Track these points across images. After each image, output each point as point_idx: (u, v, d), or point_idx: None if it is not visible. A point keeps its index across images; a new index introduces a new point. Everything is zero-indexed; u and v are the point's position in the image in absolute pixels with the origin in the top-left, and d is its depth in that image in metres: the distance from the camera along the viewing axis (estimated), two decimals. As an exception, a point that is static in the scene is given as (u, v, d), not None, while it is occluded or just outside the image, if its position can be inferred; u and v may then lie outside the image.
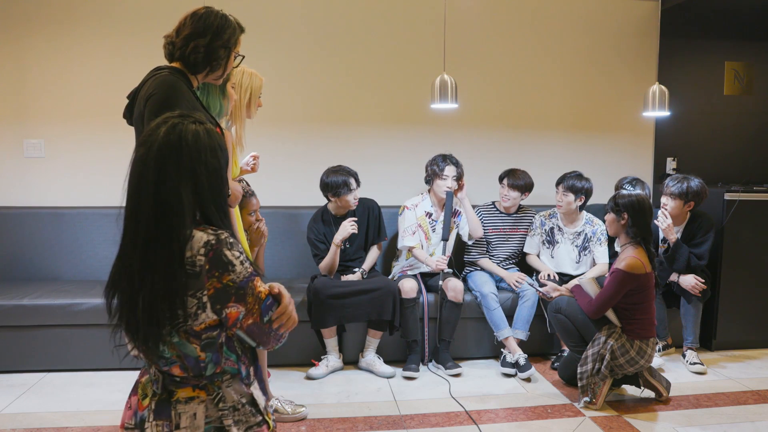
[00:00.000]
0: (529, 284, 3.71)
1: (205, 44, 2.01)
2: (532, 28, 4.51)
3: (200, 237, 1.32)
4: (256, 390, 1.44)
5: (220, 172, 1.41)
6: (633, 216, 3.08)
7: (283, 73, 4.21)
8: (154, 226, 1.29)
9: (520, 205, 4.03)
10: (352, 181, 3.61)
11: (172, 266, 1.28)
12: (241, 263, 1.34)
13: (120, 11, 4.05)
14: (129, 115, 2.11)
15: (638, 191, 3.18)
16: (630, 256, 3.04)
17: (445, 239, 3.69)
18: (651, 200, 4.08)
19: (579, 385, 3.10)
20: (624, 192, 3.20)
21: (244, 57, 2.19)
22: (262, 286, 1.38)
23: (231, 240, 1.35)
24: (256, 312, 1.36)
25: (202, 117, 1.42)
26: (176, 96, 1.92)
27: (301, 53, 4.25)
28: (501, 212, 4.01)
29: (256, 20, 4.11)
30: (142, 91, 1.99)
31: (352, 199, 3.62)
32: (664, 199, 3.76)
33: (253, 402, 1.42)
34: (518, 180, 3.90)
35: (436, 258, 3.67)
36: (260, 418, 1.42)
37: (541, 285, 3.61)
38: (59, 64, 4.03)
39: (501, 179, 3.97)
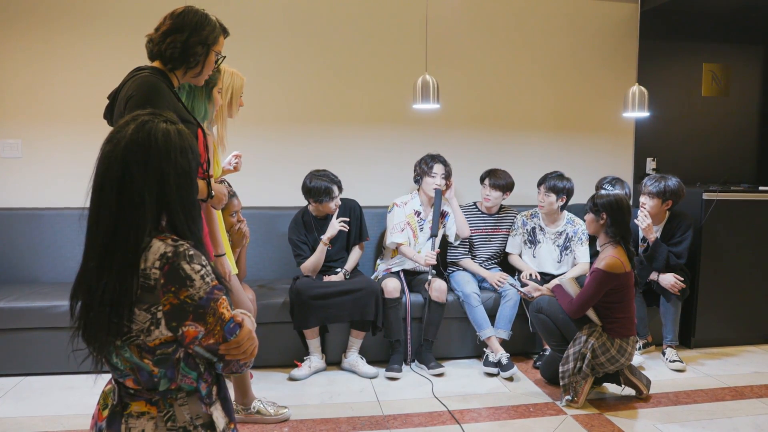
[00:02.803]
0: (511, 284, 3.73)
1: (182, 40, 2.00)
2: (514, 30, 4.53)
3: (157, 248, 1.24)
4: (216, 410, 1.36)
5: (189, 174, 1.33)
6: (612, 215, 3.11)
7: (265, 73, 4.19)
8: (114, 228, 1.23)
9: (501, 205, 4.06)
10: (335, 188, 3.60)
11: (124, 271, 1.21)
12: (202, 278, 1.26)
13: (100, 12, 4.00)
14: (109, 115, 2.09)
15: (617, 191, 3.22)
16: (609, 255, 3.07)
17: (434, 235, 3.70)
18: (631, 200, 4.13)
19: (561, 383, 3.13)
20: (602, 192, 3.23)
21: (225, 57, 2.17)
22: (226, 308, 1.29)
23: (191, 252, 1.26)
24: (218, 333, 1.27)
25: (174, 116, 1.36)
26: (156, 97, 1.90)
27: (283, 53, 4.23)
28: (483, 212, 4.03)
29: (238, 19, 4.09)
30: (123, 91, 1.97)
31: (333, 206, 3.62)
32: (642, 199, 3.81)
33: (210, 424, 1.33)
34: (499, 180, 3.92)
35: (425, 254, 3.67)
36: None
37: (523, 285, 3.63)
38: (37, 64, 3.97)
39: (482, 180, 3.99)
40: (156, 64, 2.05)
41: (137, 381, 1.28)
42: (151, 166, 1.26)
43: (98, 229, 1.24)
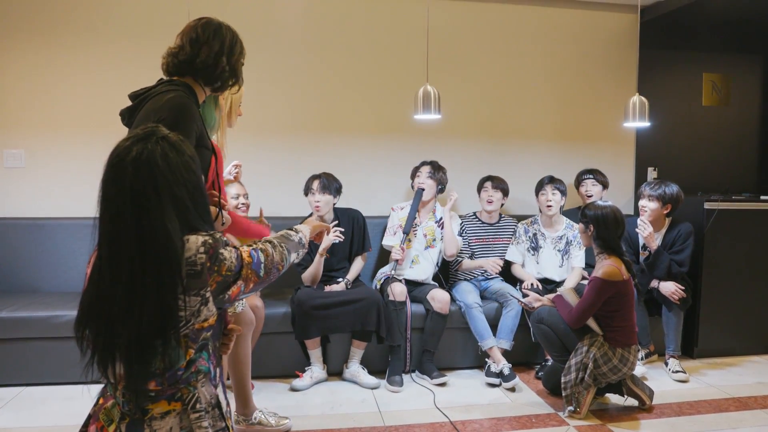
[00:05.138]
0: (512, 296, 3.73)
1: (226, 62, 2.00)
2: (514, 40, 4.55)
3: (196, 239, 1.30)
4: (220, 393, 1.42)
5: (200, 186, 1.35)
6: (597, 228, 3.13)
7: (268, 83, 4.21)
8: (142, 268, 1.23)
9: (500, 214, 4.08)
10: (316, 183, 3.65)
11: (164, 295, 1.24)
12: (229, 251, 1.37)
13: (101, 22, 4.02)
14: (128, 116, 1.99)
15: (610, 204, 3.23)
16: (607, 264, 3.08)
17: (405, 233, 3.74)
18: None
19: (563, 394, 3.11)
20: (595, 203, 3.23)
21: (243, 64, 2.15)
22: (245, 252, 1.42)
23: (224, 239, 1.38)
24: (251, 276, 1.40)
25: (162, 129, 1.36)
26: (186, 122, 1.84)
27: (285, 64, 4.25)
28: (483, 222, 4.04)
29: (240, 30, 4.10)
30: (152, 103, 1.88)
31: (313, 200, 3.65)
32: (642, 202, 3.83)
33: (218, 404, 1.39)
34: (501, 183, 4.02)
35: (395, 250, 3.72)
36: (223, 424, 1.38)
37: (524, 296, 3.63)
38: (41, 74, 3.99)
39: (482, 183, 4.06)
40: (187, 79, 1.98)
41: (161, 382, 1.29)
42: (163, 195, 1.27)
43: (121, 268, 1.24)
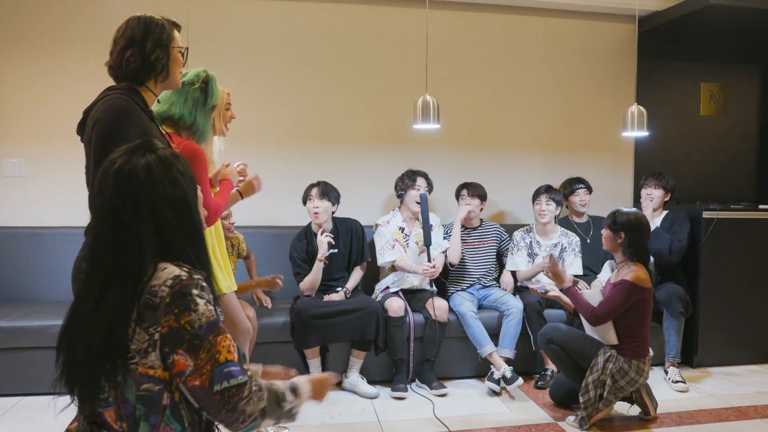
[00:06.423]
0: (522, 285, 3.78)
1: (139, 50, 1.92)
2: (513, 50, 4.58)
3: (172, 270, 1.20)
4: None
5: (186, 201, 1.27)
6: (631, 235, 3.06)
7: (268, 92, 4.22)
8: (109, 278, 1.19)
9: (480, 219, 4.10)
10: (315, 190, 3.67)
11: (120, 311, 1.17)
12: (206, 305, 1.19)
13: (101, 32, 4.02)
14: (81, 131, 2.03)
15: (635, 210, 3.19)
16: (634, 269, 3.03)
17: (428, 245, 3.64)
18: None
19: (583, 414, 3.02)
20: (623, 210, 3.17)
21: (187, 48, 2.08)
22: (228, 351, 1.18)
23: (204, 284, 1.22)
24: (206, 374, 1.15)
25: (156, 143, 1.30)
26: (124, 121, 1.82)
27: (284, 73, 4.27)
28: (465, 227, 4.04)
29: (240, 39, 4.13)
30: (92, 113, 1.91)
31: (311, 207, 3.65)
32: (648, 191, 4.04)
33: None
34: (478, 189, 4.04)
35: (424, 265, 3.66)
36: None
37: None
38: (41, 83, 4.01)
39: (459, 192, 4.07)
40: (126, 83, 1.98)
41: (119, 416, 1.19)
42: (141, 208, 1.21)
43: (93, 283, 1.22)
